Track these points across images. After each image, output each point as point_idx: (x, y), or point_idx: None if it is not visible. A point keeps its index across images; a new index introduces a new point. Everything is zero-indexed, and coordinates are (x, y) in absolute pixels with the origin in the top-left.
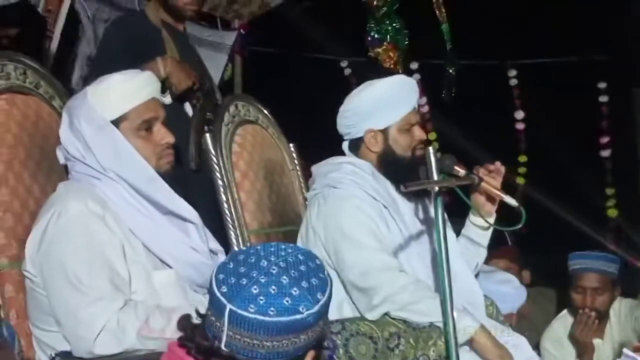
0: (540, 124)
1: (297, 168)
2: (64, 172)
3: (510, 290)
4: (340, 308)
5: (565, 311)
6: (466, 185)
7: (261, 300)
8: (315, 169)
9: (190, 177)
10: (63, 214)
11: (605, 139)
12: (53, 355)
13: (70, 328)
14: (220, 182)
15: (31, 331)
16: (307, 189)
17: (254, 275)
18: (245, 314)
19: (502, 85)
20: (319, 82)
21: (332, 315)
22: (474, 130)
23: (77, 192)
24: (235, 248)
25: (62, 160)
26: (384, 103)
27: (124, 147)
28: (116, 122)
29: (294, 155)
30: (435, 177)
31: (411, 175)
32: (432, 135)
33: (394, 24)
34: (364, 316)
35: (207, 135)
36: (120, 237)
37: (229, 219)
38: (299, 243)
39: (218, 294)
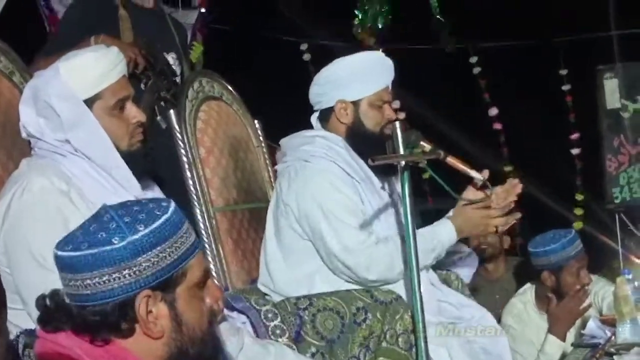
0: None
1: (263, 145)
2: (26, 149)
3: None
4: (311, 279)
5: (524, 288)
6: (432, 159)
7: (79, 238)
8: (286, 141)
9: (156, 153)
10: (27, 190)
11: (574, 135)
12: (18, 333)
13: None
14: (184, 159)
15: None
16: (273, 165)
17: (87, 222)
18: (63, 253)
19: (466, 72)
20: (278, 62)
21: (301, 286)
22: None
23: (41, 168)
24: (201, 225)
25: (24, 135)
26: (359, 74)
27: (97, 131)
28: (89, 102)
29: (259, 132)
30: (402, 152)
31: (378, 151)
32: None
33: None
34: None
35: (172, 111)
36: (85, 213)
37: (194, 195)
38: (270, 216)
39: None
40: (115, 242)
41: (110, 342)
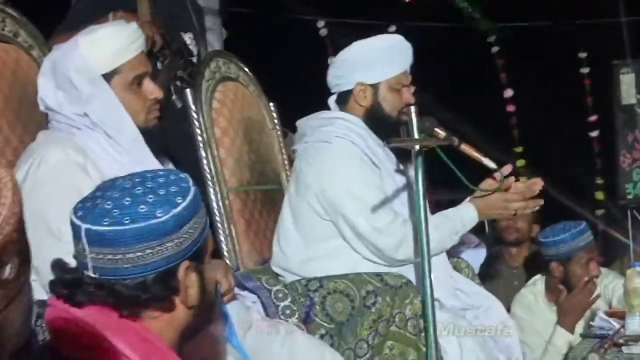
0: (529, 102)
1: (277, 127)
2: (44, 123)
3: (469, 253)
4: (328, 259)
5: (534, 279)
6: (447, 146)
7: (115, 212)
8: (303, 122)
9: (171, 132)
10: (43, 163)
11: (592, 118)
12: None
13: (50, 277)
14: (199, 138)
15: None
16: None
17: (109, 193)
18: (101, 228)
19: (484, 51)
20: (295, 43)
21: (317, 265)
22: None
23: (58, 141)
24: (214, 205)
25: (42, 107)
26: (378, 57)
27: (113, 105)
28: (108, 76)
29: (274, 114)
30: (417, 137)
31: (394, 135)
32: None
33: None
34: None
35: (188, 91)
36: None
37: (208, 175)
38: (287, 197)
39: (74, 219)
40: (160, 215)
41: (140, 317)
